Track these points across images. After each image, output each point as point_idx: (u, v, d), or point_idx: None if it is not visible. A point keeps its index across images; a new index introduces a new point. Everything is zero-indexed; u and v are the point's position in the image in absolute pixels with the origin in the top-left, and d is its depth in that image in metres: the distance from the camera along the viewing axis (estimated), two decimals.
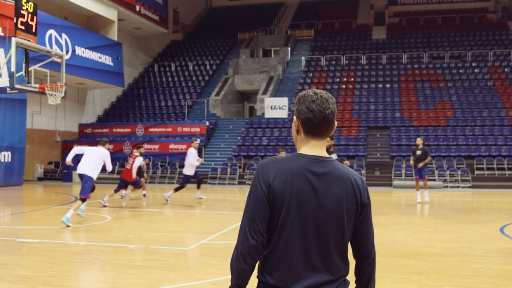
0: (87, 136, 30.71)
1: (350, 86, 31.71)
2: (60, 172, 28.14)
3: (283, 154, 16.05)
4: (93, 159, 11.84)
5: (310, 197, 2.06)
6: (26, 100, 24.75)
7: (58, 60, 13.50)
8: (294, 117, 2.20)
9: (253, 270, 2.16)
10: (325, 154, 2.16)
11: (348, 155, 25.29)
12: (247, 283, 2.17)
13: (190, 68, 36.61)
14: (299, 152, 2.18)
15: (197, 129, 28.66)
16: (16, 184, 23.96)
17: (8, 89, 12.64)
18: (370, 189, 22.00)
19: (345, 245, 2.14)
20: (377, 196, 19.79)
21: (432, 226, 11.39)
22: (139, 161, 15.84)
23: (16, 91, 13.19)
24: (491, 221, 12.15)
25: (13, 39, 12.11)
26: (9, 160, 23.75)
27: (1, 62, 14.81)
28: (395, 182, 23.56)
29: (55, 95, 12.84)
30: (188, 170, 15.87)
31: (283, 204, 2.06)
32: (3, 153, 23.41)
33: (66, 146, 29.70)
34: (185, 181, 16.02)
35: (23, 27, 12.60)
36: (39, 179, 28.08)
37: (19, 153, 24.37)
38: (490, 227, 11.07)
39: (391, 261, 7.66)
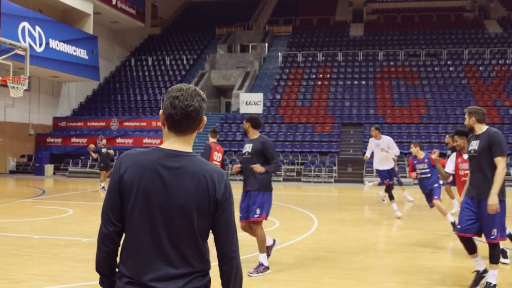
0: (61, 129, 30.43)
1: (326, 82, 31.83)
2: (32, 166, 27.87)
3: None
4: None
5: (159, 190, 2.07)
6: None
7: (22, 53, 13.32)
8: (161, 111, 2.20)
9: (110, 258, 2.20)
10: (186, 149, 2.16)
11: (321, 151, 25.45)
12: (107, 271, 2.21)
13: (167, 62, 36.43)
14: (161, 145, 2.19)
15: None
16: None
17: None
18: (341, 185, 22.14)
19: (198, 241, 2.11)
20: (347, 192, 19.97)
21: (392, 223, 11.53)
22: None
23: None
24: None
25: None
26: None
27: None
28: (366, 179, 23.73)
29: (17, 87, 12.69)
30: None
31: (131, 195, 2.09)
32: None
33: (40, 140, 29.45)
34: None
35: None
36: (11, 172, 27.78)
37: None
38: (450, 224, 11.19)
39: (340, 257, 7.74)
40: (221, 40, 38.27)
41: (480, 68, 31.70)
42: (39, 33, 25.47)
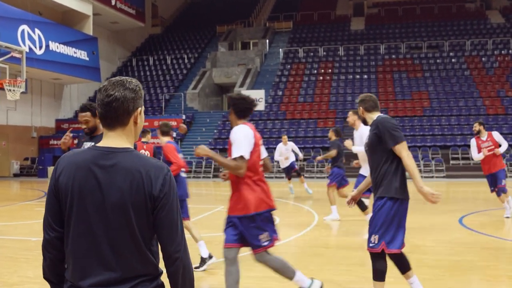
0: (64, 131, 30.41)
1: (328, 77, 31.72)
2: (36, 168, 27.91)
3: None
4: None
5: (94, 190, 1.97)
6: None
7: (18, 55, 13.28)
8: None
9: (55, 265, 2.13)
10: (122, 145, 2.04)
11: (324, 146, 25.30)
12: (54, 278, 2.15)
13: (168, 62, 36.41)
14: (98, 144, 2.09)
15: (174, 123, 28.49)
16: None
17: None
18: None
19: (140, 243, 1.98)
20: (350, 187, 19.77)
21: None
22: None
23: None
24: (455, 211, 12.16)
25: None
26: None
27: None
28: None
29: (14, 90, 12.66)
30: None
31: (67, 198, 2.00)
32: None
33: (42, 142, 29.49)
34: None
35: None
36: (15, 175, 27.84)
37: None
38: (450, 217, 11.10)
39: (338, 253, 7.67)
40: (222, 38, 38.19)
41: (483, 59, 31.48)
42: (38, 35, 25.47)
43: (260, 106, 28.53)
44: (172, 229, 2.02)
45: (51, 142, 29.40)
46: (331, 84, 30.93)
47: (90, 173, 1.97)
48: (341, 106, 28.52)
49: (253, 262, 7.06)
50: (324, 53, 34.43)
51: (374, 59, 32.97)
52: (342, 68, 32.50)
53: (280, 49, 35.46)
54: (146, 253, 2.01)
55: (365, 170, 9.50)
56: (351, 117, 8.45)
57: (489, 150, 10.16)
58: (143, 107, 2.12)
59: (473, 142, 10.45)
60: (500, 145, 10.23)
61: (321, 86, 30.78)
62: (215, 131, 28.01)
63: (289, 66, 33.44)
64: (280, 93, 30.67)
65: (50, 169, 27.09)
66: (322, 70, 32.53)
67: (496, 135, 10.33)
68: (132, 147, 2.08)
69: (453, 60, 31.97)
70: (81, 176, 1.98)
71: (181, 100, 31.13)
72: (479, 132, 10.28)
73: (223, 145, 26.35)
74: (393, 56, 33.17)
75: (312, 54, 34.56)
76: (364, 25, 38.17)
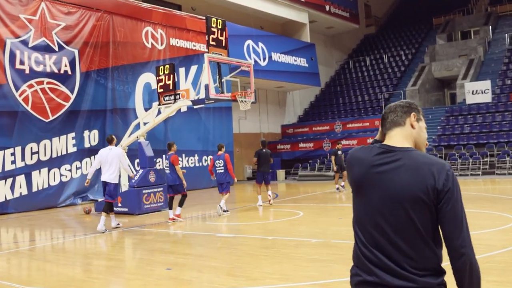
0: (289, 136, 32.31)
1: None
2: None
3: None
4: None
5: (378, 185, 2.18)
6: (231, 107, 27.00)
7: (246, 68, 14.66)
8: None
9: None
10: (403, 145, 2.24)
11: None
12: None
13: (385, 60, 36.06)
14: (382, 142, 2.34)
15: None
16: None
17: (205, 100, 14.10)
18: None
19: (423, 236, 2.09)
20: None
21: None
22: None
23: (212, 101, 14.66)
24: None
25: (205, 55, 13.54)
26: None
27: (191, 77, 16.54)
28: None
29: (245, 101, 14.01)
30: None
31: (353, 191, 2.32)
32: None
33: (270, 147, 31.59)
34: None
35: (214, 43, 13.91)
36: (248, 178, 30.37)
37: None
38: None
39: None
40: (440, 30, 36.48)
41: None
42: (262, 48, 27.60)
43: (487, 98, 26.54)
44: (457, 223, 2.08)
45: (278, 146, 31.40)
46: None
47: (373, 168, 2.20)
48: None
49: (490, 265, 6.71)
50: None
51: None
52: None
53: (506, 34, 32.44)
54: (427, 246, 2.11)
55: None
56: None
57: None
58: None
59: None
60: None
61: None
62: (439, 127, 26.86)
63: None
64: (509, 82, 28.08)
65: (279, 172, 29.01)
66: None
67: None
68: (413, 147, 2.26)
69: None
70: (366, 171, 2.22)
71: (401, 98, 30.56)
72: None
73: (447, 142, 25.20)
74: None
75: None
76: None
